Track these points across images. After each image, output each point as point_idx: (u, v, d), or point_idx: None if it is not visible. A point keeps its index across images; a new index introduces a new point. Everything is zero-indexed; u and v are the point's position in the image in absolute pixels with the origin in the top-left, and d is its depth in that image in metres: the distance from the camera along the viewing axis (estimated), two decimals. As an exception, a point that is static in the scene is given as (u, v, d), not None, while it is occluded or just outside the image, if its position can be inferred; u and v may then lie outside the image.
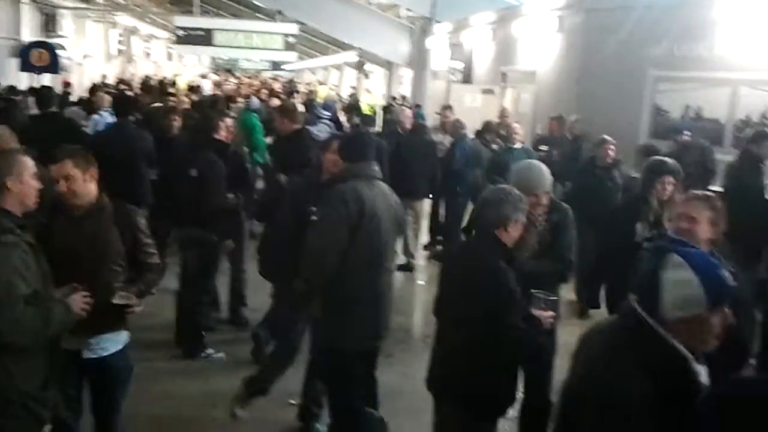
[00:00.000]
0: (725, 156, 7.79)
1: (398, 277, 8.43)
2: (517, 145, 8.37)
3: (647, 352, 1.93)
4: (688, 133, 8.05)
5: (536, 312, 3.28)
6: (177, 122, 7.19)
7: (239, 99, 13.47)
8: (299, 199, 4.56)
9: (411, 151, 8.49)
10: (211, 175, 5.59)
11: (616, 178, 7.08)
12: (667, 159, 4.41)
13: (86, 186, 3.35)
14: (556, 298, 3.37)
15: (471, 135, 9.45)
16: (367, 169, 3.93)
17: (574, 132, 9.28)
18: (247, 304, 6.46)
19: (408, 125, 9.15)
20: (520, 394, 4.21)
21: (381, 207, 3.87)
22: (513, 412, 4.55)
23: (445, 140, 9.40)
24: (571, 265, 3.98)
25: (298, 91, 17.54)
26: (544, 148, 9.27)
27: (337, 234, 3.73)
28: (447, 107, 10.78)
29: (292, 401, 4.78)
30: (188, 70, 34.99)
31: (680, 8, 9.51)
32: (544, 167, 4.06)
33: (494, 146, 8.99)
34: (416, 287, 8.24)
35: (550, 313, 3.32)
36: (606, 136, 7.33)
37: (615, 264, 4.52)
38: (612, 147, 7.13)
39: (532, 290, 3.31)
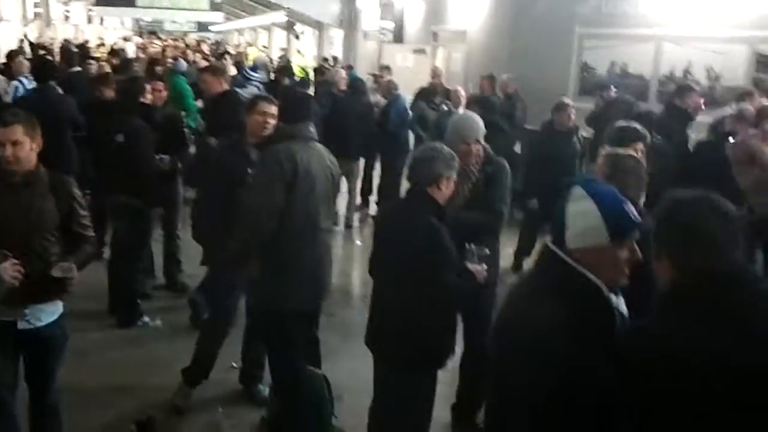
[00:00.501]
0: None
1: (337, 238, 8.46)
2: (460, 110, 8.34)
3: (561, 284, 1.96)
4: (614, 89, 8.25)
5: (470, 266, 3.34)
6: (110, 89, 6.82)
7: (168, 61, 13.07)
8: (228, 162, 4.50)
9: (347, 112, 8.45)
10: (138, 141, 5.44)
11: (575, 144, 6.80)
12: (636, 125, 4.41)
13: (31, 154, 3.28)
14: (488, 251, 3.42)
15: (405, 95, 9.44)
16: (304, 130, 3.92)
17: (507, 90, 9.37)
18: (183, 270, 6.38)
19: (343, 86, 9.09)
20: (459, 347, 4.32)
21: (316, 167, 3.87)
22: (452, 363, 4.67)
23: (381, 101, 9.38)
24: (502, 216, 4.05)
25: (229, 53, 17.11)
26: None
27: (272, 194, 3.72)
28: (385, 68, 10.75)
29: (234, 364, 4.78)
30: (110, 33, 33.71)
31: (606, -34, 9.67)
32: (478, 118, 4.12)
33: (444, 108, 8.99)
34: (354, 248, 8.28)
35: (483, 266, 3.37)
36: (565, 99, 7.08)
37: None
38: (573, 111, 6.76)
39: (466, 244, 3.36)
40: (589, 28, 10.05)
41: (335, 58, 18.41)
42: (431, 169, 3.31)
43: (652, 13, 9.12)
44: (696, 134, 6.55)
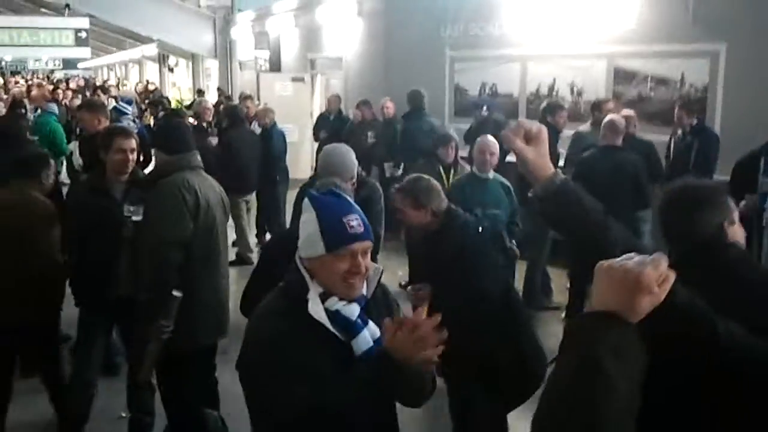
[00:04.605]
0: (521, 128, 8.37)
1: (232, 272, 8.27)
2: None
3: (287, 284, 2.09)
4: (485, 108, 8.58)
5: None
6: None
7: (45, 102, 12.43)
8: (84, 204, 4.17)
9: (235, 144, 8.30)
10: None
11: None
12: None
13: None
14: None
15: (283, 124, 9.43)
16: (193, 159, 3.80)
17: (387, 114, 9.56)
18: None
19: (208, 117, 9.04)
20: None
21: (212, 197, 3.80)
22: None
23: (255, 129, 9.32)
24: (379, 238, 4.15)
25: (102, 88, 16.54)
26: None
27: (179, 226, 3.58)
28: (247, 97, 10.77)
29: (123, 414, 4.58)
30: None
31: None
32: (350, 153, 4.01)
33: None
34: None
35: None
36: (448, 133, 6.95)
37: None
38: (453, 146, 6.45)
39: None
40: (458, 51, 10.42)
41: (219, 90, 18.10)
42: None
43: (515, 34, 9.57)
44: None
